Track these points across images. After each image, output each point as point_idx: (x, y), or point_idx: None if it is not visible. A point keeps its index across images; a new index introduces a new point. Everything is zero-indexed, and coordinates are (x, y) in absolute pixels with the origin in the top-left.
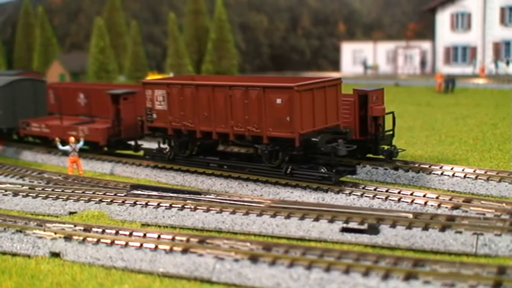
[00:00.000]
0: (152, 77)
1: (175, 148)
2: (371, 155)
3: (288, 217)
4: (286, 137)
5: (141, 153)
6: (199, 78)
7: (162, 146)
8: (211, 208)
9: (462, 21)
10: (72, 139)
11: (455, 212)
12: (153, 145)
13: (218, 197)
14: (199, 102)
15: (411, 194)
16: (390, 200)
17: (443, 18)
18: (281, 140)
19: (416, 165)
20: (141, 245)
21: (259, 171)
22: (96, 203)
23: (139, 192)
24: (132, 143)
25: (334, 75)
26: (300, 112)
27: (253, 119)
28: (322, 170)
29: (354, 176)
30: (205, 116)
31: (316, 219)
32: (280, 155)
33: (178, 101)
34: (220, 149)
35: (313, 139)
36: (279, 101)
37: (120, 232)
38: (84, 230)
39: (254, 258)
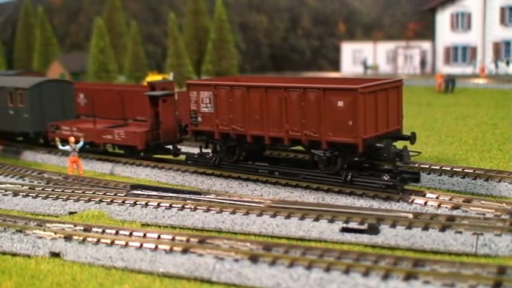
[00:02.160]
0: (152, 77)
1: (222, 153)
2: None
3: (288, 217)
4: (348, 142)
5: (176, 157)
6: (243, 79)
7: (204, 150)
8: (211, 208)
9: (462, 21)
10: (72, 139)
11: (455, 212)
12: (189, 149)
13: (218, 197)
14: (251, 104)
15: (411, 194)
16: (390, 200)
17: (443, 18)
18: (342, 145)
19: (416, 165)
20: (141, 245)
21: (315, 178)
22: (96, 203)
23: (139, 192)
24: (171, 147)
25: (334, 75)
26: (363, 116)
27: (311, 122)
28: (385, 177)
29: (418, 184)
30: (256, 119)
31: (316, 219)
32: (340, 161)
33: (227, 103)
34: (265, 154)
35: (378, 145)
36: (340, 103)
37: (120, 232)
38: (84, 230)
39: (254, 258)
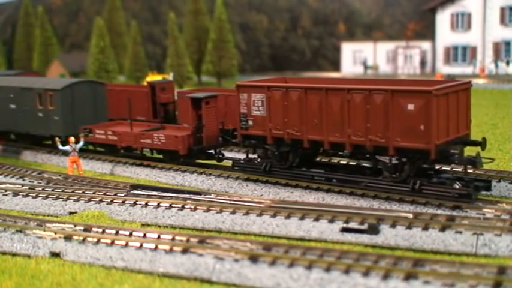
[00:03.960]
0: (152, 77)
1: (274, 159)
2: None
3: (288, 217)
4: (419, 148)
5: (219, 163)
6: (291, 81)
7: (251, 156)
8: (211, 208)
9: (462, 21)
10: (72, 139)
11: (455, 212)
12: (231, 154)
13: (218, 197)
14: (309, 107)
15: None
16: (391, 200)
17: (443, 18)
18: (411, 151)
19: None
20: (141, 245)
21: (379, 186)
22: (96, 203)
23: (139, 192)
24: (213, 151)
25: (334, 75)
26: (436, 120)
27: (377, 127)
28: (457, 185)
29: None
30: (315, 123)
31: (316, 219)
32: (407, 169)
33: (282, 106)
34: (315, 160)
35: (453, 151)
36: (411, 106)
37: (120, 232)
38: (84, 230)
39: (254, 258)
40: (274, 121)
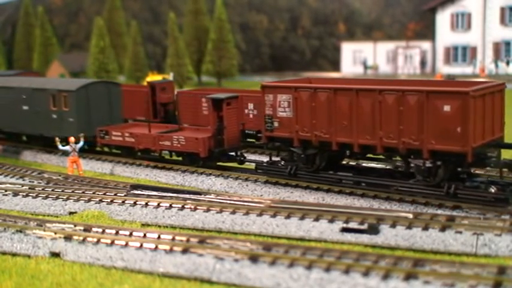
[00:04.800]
0: (152, 77)
1: (300, 161)
2: None
3: (288, 217)
4: (455, 151)
5: (241, 165)
6: (315, 81)
7: (274, 158)
8: (211, 208)
9: (462, 21)
10: (72, 139)
11: (455, 212)
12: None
13: (218, 197)
14: (338, 108)
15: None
16: (391, 200)
17: (443, 18)
18: (446, 154)
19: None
20: (141, 245)
21: (411, 190)
22: (96, 203)
23: (139, 192)
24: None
25: (334, 75)
26: (473, 121)
27: (411, 129)
28: (492, 189)
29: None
30: (344, 125)
31: (316, 219)
32: (441, 172)
33: (309, 108)
34: (342, 162)
35: (490, 154)
36: (447, 108)
37: (120, 232)
38: (84, 230)
39: (254, 258)
40: (301, 123)
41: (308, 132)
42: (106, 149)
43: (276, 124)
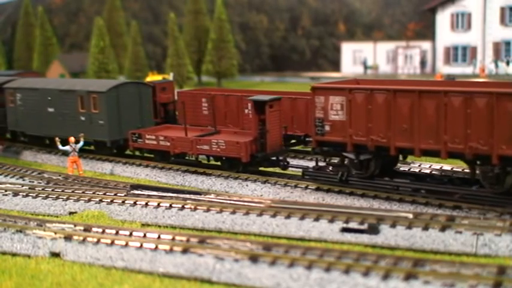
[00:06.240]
0: (152, 77)
1: (353, 167)
2: None
3: (288, 217)
4: None
5: (284, 171)
6: (364, 82)
7: (321, 164)
8: (211, 208)
9: (462, 21)
10: (72, 139)
11: (455, 212)
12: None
13: (218, 197)
14: (398, 111)
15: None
16: (391, 200)
17: (443, 18)
18: None
19: (417, 164)
20: (141, 245)
21: (476, 198)
22: (96, 203)
23: (139, 192)
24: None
25: (334, 75)
26: None
27: (479, 133)
28: None
29: None
30: (404, 128)
31: (316, 219)
32: (510, 179)
33: (365, 110)
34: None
35: None
36: None
37: (120, 232)
38: (84, 230)
39: (254, 258)
40: (355, 126)
41: (363, 136)
42: (137, 153)
43: (327, 128)
